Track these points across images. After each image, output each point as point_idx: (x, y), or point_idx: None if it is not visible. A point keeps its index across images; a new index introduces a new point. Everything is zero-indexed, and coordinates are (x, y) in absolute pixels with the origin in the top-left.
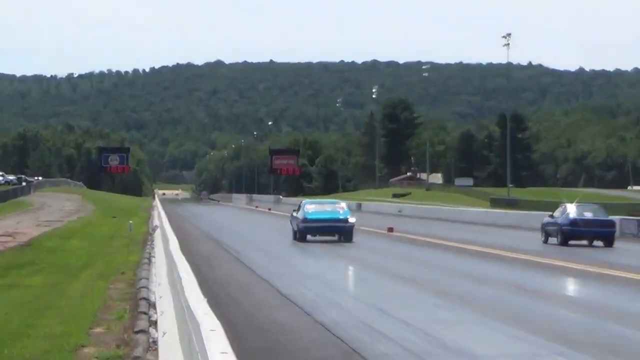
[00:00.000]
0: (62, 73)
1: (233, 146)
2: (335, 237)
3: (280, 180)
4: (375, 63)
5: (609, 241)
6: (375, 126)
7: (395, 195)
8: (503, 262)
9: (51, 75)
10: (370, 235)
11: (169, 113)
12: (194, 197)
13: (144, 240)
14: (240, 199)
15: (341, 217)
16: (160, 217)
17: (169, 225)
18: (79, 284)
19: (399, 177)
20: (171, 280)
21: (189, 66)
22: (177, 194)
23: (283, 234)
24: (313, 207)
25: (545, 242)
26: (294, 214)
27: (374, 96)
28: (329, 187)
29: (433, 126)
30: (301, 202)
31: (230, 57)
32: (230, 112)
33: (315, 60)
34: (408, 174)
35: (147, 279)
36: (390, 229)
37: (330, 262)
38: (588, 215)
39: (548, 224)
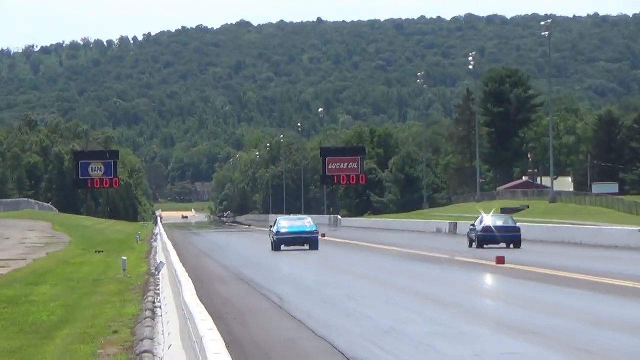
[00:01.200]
0: (17, 46)
1: (268, 145)
2: (307, 247)
3: (337, 192)
4: (470, 19)
5: (516, 244)
6: (474, 111)
7: (505, 211)
8: None
9: (2, 50)
10: (470, 269)
11: (173, 100)
12: (213, 220)
13: (145, 284)
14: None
15: (308, 230)
16: (166, 250)
17: (179, 262)
18: (53, 348)
19: (510, 184)
20: (186, 342)
21: (201, 31)
22: (186, 217)
23: (347, 273)
24: (285, 223)
25: (470, 247)
26: (271, 229)
27: (470, 67)
28: (409, 201)
29: (559, 108)
30: (276, 219)
31: (259, 17)
32: (261, 96)
33: (383, 18)
34: (524, 179)
35: (152, 339)
36: (501, 260)
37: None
38: (499, 223)
39: (470, 231)
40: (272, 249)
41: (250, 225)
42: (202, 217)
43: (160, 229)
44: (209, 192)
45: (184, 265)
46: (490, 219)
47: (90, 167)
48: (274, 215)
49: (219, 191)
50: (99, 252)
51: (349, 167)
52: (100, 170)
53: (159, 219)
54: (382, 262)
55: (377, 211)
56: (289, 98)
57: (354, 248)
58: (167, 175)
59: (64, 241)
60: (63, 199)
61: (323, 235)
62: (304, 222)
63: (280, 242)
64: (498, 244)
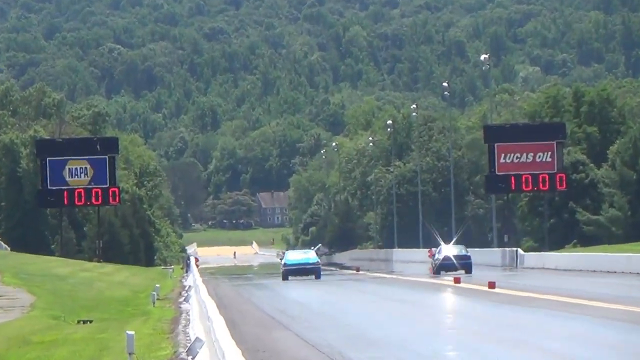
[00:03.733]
0: None
1: (389, 123)
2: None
3: (516, 206)
4: None
5: (468, 270)
6: None
7: None
8: None
9: None
10: None
11: (214, 43)
12: None
13: None
14: (412, 258)
15: (311, 261)
16: (206, 318)
17: (231, 339)
18: None
19: None
20: None
21: None
22: (236, 256)
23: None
24: (291, 256)
25: (433, 274)
26: (281, 261)
27: None
28: None
29: None
30: (285, 251)
31: None
32: (375, 32)
33: None
34: None
35: None
36: None
37: None
38: (454, 252)
39: (433, 260)
40: (282, 279)
41: (358, 269)
42: (272, 255)
43: (195, 278)
44: (283, 211)
45: (239, 345)
46: (447, 249)
47: (68, 168)
48: (400, 249)
49: (300, 208)
50: (84, 322)
51: (537, 160)
52: (86, 174)
53: (192, 261)
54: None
55: (590, 238)
56: (425, 36)
57: (552, 308)
58: (206, 180)
59: (22, 303)
60: (18, 227)
61: (492, 286)
62: (308, 255)
63: (288, 273)
64: (456, 271)
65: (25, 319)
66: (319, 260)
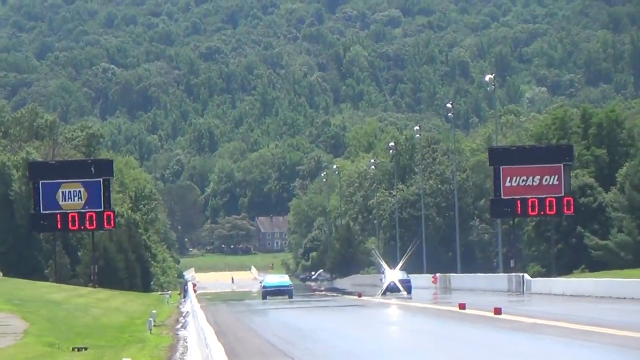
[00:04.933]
0: None
1: (392, 145)
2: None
3: (522, 231)
4: None
5: (409, 292)
6: None
7: None
8: None
9: None
10: None
11: (212, 63)
12: (292, 286)
13: None
14: (416, 284)
15: (286, 284)
16: (204, 344)
17: None
18: None
19: None
20: None
21: None
22: (234, 281)
23: None
24: (269, 279)
25: (381, 295)
26: (261, 284)
27: None
28: None
29: None
30: (263, 277)
31: None
32: (377, 52)
33: None
34: None
35: None
36: None
37: None
38: (398, 277)
39: (381, 284)
40: (262, 299)
41: (360, 295)
42: (274, 279)
43: (192, 304)
44: (283, 235)
45: None
46: (391, 273)
47: (61, 191)
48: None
49: (300, 233)
50: (79, 349)
51: (544, 184)
52: (80, 198)
53: (189, 286)
54: None
55: (598, 264)
56: (428, 56)
57: (559, 335)
58: (203, 204)
59: (14, 329)
60: (10, 252)
61: (498, 312)
62: (283, 279)
63: (267, 293)
64: (399, 292)
65: (18, 346)
66: (291, 283)
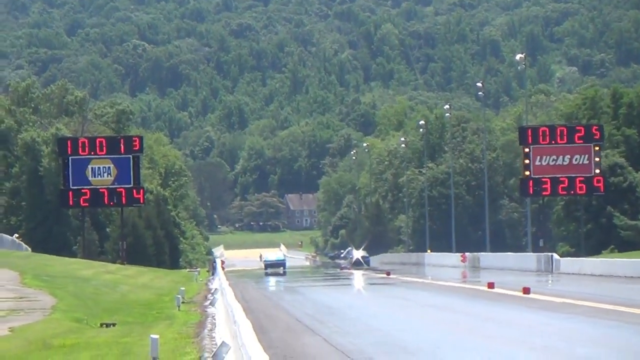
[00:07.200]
0: None
1: (421, 124)
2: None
3: (552, 210)
4: None
5: (368, 265)
6: None
7: None
8: None
9: None
10: None
11: (242, 40)
12: (321, 263)
13: None
14: (444, 262)
15: (280, 259)
16: (233, 322)
17: (259, 345)
18: None
19: None
20: None
21: None
22: (272, 261)
23: None
24: (269, 255)
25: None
26: (261, 259)
27: None
28: None
29: None
30: (262, 254)
31: None
32: (407, 30)
33: None
34: None
35: None
36: None
37: None
38: (361, 254)
39: (350, 259)
40: (265, 270)
41: (389, 273)
42: (300, 258)
43: (221, 281)
44: (312, 213)
45: (267, 351)
46: (357, 253)
47: (91, 167)
48: (432, 253)
49: (330, 211)
50: (107, 325)
51: (574, 163)
52: (109, 174)
53: (218, 263)
54: None
55: (628, 244)
56: (459, 34)
57: (588, 315)
58: (233, 181)
59: (43, 305)
60: (39, 228)
61: (527, 292)
62: (280, 254)
63: (267, 266)
64: (362, 266)
65: (46, 322)
66: (285, 259)
